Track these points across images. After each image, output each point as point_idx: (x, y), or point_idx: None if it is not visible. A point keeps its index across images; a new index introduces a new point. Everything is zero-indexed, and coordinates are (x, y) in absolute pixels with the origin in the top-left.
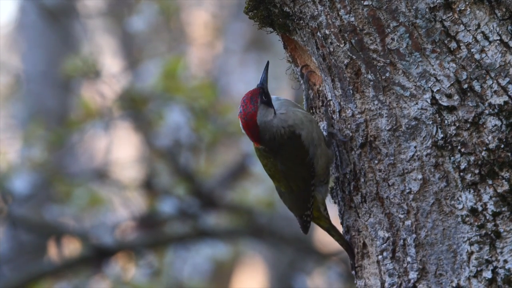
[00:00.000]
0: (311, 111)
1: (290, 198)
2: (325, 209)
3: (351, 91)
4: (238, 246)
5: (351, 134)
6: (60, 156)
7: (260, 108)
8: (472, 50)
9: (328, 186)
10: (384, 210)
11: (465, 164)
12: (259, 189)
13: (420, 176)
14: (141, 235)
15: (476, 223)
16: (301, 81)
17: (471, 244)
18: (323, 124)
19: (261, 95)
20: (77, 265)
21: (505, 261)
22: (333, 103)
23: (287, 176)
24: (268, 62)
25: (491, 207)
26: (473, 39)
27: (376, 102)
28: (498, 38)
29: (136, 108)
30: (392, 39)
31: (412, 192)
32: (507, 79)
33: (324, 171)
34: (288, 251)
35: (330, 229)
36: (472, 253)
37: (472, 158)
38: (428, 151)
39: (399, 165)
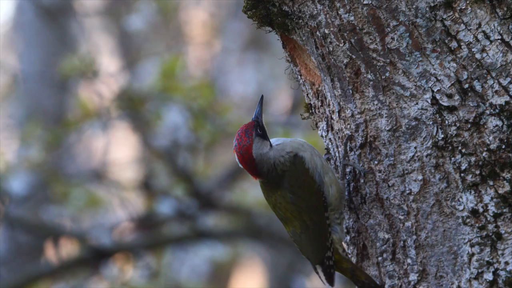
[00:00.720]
0: (311, 112)
1: (307, 237)
2: (344, 250)
3: (350, 91)
4: (236, 247)
5: (350, 133)
6: (58, 156)
7: (255, 141)
8: (473, 49)
9: (343, 227)
10: (384, 211)
11: (466, 164)
12: (258, 190)
13: (420, 177)
14: (139, 236)
15: (477, 225)
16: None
17: (472, 246)
18: (322, 124)
19: (256, 127)
20: (75, 266)
21: (506, 263)
22: (332, 103)
23: (299, 208)
24: (262, 97)
25: (492, 208)
26: (474, 39)
27: (376, 102)
28: (499, 37)
29: (134, 108)
30: (392, 38)
31: (412, 193)
32: (508, 79)
33: (337, 202)
34: (287, 253)
35: (355, 270)
36: (473, 254)
37: (473, 158)
38: (429, 151)
39: (399, 166)
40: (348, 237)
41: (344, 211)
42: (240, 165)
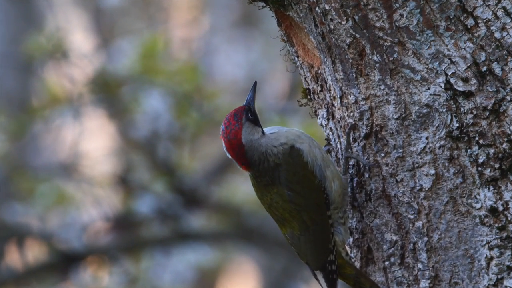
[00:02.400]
0: (310, 98)
1: (307, 240)
2: (347, 254)
3: (354, 74)
4: (226, 251)
5: (353, 122)
6: (23, 147)
7: (246, 126)
8: (491, 28)
9: (347, 227)
10: (391, 209)
11: (484, 157)
12: (250, 186)
13: (432, 171)
14: (115, 238)
15: (496, 225)
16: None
17: (490, 249)
18: (322, 112)
19: (246, 111)
20: (42, 272)
21: None
22: (334, 87)
23: (297, 207)
24: (255, 83)
25: None
26: (493, 16)
27: (382, 87)
28: None
29: (110, 93)
30: (401, 15)
31: (423, 189)
32: None
33: (340, 199)
34: (282, 256)
35: (359, 276)
36: (491, 258)
37: (491, 150)
38: (442, 142)
39: (409, 159)
40: (351, 239)
41: (348, 209)
42: (228, 155)
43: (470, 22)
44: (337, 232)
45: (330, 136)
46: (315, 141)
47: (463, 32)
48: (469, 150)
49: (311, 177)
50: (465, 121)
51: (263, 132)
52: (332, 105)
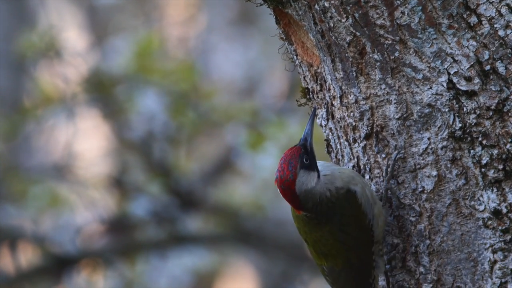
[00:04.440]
0: (309, 97)
1: (349, 275)
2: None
3: (354, 73)
4: (223, 254)
5: (354, 123)
6: (15, 148)
7: (300, 175)
8: (495, 25)
9: (384, 258)
10: (392, 212)
11: (487, 158)
12: (248, 187)
13: (434, 173)
14: (110, 241)
15: (500, 227)
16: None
17: (494, 252)
18: (322, 112)
19: (302, 157)
20: (35, 276)
21: None
22: (333, 87)
23: (346, 247)
24: (314, 110)
25: None
26: (497, 13)
27: (383, 86)
28: None
29: (104, 92)
30: (402, 12)
31: (425, 191)
32: None
33: (382, 234)
34: (281, 259)
35: None
36: (495, 262)
37: (495, 151)
38: (444, 143)
39: (410, 160)
40: None
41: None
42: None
43: (473, 19)
44: (376, 266)
45: (330, 137)
46: (363, 179)
47: (466, 30)
48: (472, 151)
49: (363, 218)
50: (468, 121)
51: (318, 176)
52: (332, 104)
